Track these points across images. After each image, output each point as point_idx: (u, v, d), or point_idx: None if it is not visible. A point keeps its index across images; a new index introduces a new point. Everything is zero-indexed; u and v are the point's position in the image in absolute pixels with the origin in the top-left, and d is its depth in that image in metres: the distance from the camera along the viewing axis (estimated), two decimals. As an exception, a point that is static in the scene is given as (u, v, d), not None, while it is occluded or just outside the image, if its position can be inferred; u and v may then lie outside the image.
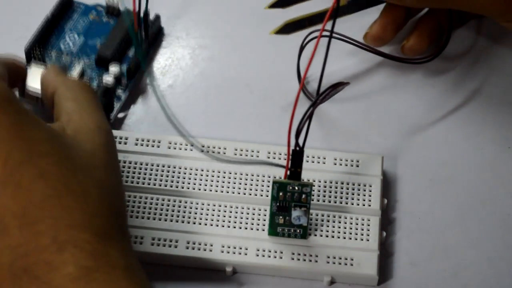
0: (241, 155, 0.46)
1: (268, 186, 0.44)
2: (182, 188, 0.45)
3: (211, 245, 0.43)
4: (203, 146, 0.46)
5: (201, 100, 0.50)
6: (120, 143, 0.46)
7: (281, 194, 0.42)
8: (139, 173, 0.45)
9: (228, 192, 0.44)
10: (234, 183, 0.45)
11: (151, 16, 0.51)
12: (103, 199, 0.36)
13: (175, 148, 0.46)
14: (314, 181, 0.45)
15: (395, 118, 0.49)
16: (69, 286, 0.33)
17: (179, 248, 0.43)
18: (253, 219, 0.44)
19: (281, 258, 0.43)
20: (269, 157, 0.46)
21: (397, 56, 0.50)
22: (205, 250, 0.43)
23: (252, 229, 0.43)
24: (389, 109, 0.50)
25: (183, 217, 0.44)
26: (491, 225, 0.45)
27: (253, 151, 0.46)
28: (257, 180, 0.45)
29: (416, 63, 0.50)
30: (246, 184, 0.45)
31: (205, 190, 0.45)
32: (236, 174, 0.45)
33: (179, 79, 0.51)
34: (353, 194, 0.45)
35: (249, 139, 0.47)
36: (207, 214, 0.44)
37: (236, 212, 0.44)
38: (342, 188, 0.45)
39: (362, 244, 0.43)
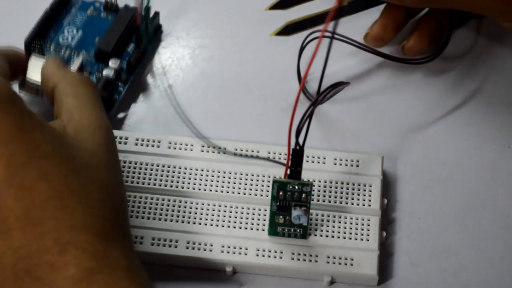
0: (241, 155, 0.46)
1: (268, 186, 0.44)
2: (182, 188, 0.45)
3: (211, 245, 0.43)
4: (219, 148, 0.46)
5: (201, 100, 0.50)
6: (120, 143, 0.46)
7: (281, 193, 0.42)
8: (139, 173, 0.45)
9: (228, 192, 0.44)
10: (234, 183, 0.45)
11: (150, 14, 0.51)
12: (103, 199, 0.36)
13: (175, 148, 0.46)
14: (314, 181, 0.45)
15: (395, 118, 0.49)
16: (71, 288, 0.33)
17: (179, 248, 0.43)
18: (253, 219, 0.44)
19: (281, 258, 0.43)
20: (269, 157, 0.46)
21: (397, 56, 0.50)
22: (205, 250, 0.43)
23: (252, 229, 0.43)
24: (389, 109, 0.50)
25: (183, 217, 0.44)
26: (491, 225, 0.45)
27: (253, 151, 0.46)
28: (257, 180, 0.45)
29: (416, 63, 0.50)
30: (246, 184, 0.45)
31: (205, 190, 0.45)
32: (236, 174, 0.45)
33: (179, 79, 0.51)
34: (353, 194, 0.45)
35: (249, 139, 0.47)
36: (207, 214, 0.44)
37: (236, 212, 0.44)
38: (342, 188, 0.45)
39: (362, 244, 0.43)
